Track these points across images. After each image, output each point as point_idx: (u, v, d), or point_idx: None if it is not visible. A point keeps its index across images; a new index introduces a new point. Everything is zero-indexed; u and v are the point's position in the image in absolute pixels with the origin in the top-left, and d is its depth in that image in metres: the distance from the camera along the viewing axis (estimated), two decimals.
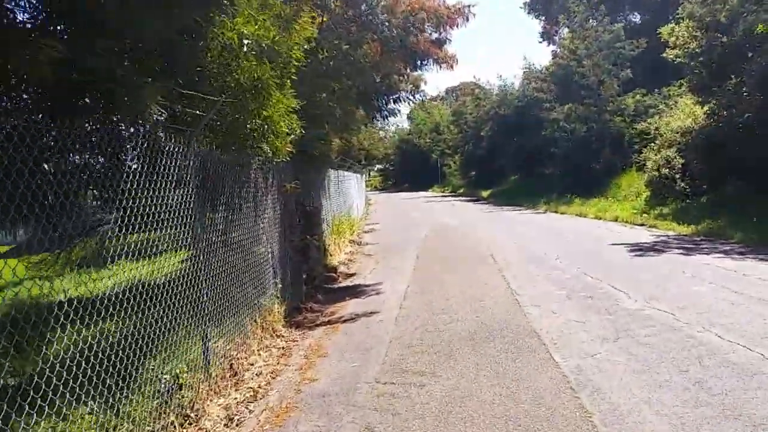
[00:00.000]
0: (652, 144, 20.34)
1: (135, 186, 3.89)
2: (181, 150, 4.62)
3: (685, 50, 16.60)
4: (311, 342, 6.89)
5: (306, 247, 9.86)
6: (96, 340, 3.74)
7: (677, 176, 17.78)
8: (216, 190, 5.60)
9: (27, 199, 2.82)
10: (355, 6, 12.04)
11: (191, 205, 4.87)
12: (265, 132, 6.04)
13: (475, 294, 8.63)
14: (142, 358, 4.08)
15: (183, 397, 4.67)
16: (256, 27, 5.27)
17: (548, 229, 17.64)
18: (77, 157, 3.74)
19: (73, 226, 3.27)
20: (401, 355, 6.01)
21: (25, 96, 4.19)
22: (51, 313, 3.23)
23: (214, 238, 5.54)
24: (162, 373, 4.53)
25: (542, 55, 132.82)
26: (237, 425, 4.66)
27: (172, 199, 4.51)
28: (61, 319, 3.28)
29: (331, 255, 12.69)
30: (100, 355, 3.67)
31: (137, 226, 3.98)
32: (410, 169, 60.63)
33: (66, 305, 3.32)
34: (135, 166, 3.82)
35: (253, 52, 5.33)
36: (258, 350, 6.37)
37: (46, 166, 3.44)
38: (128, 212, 3.81)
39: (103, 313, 3.67)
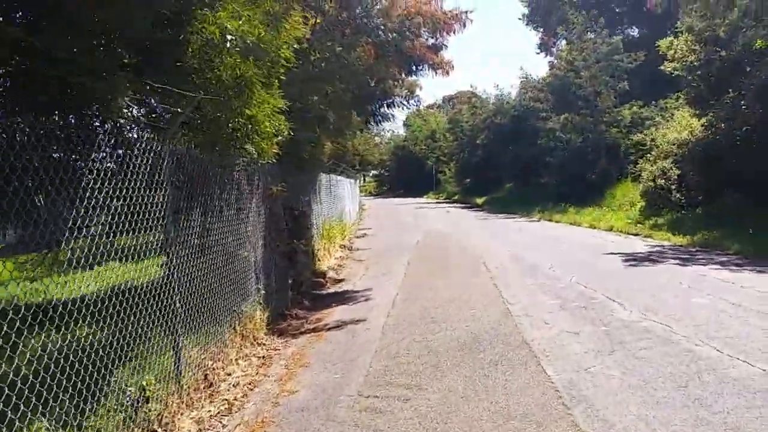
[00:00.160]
0: (648, 155, 20.27)
1: (99, 185, 3.62)
2: (154, 148, 4.36)
3: (684, 63, 16.59)
4: (294, 351, 6.62)
5: (293, 251, 9.59)
6: (57, 347, 3.48)
7: (673, 187, 17.68)
8: (194, 191, 5.34)
9: None
10: (349, 8, 11.84)
11: (165, 207, 4.61)
12: (249, 132, 5.80)
13: (466, 303, 8.38)
14: (103, 369, 3.80)
15: (150, 410, 4.40)
16: (241, 23, 5.04)
17: (542, 237, 17.43)
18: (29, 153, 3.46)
19: (23, 226, 3.00)
20: (386, 366, 5.74)
21: None
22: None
23: (190, 242, 5.27)
24: (127, 384, 4.26)
25: (540, 66, 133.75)
26: None
27: (143, 200, 4.25)
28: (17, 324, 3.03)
29: (320, 260, 12.42)
30: (62, 362, 3.43)
31: (102, 228, 3.72)
32: (405, 176, 60.49)
33: (23, 309, 3.09)
34: (99, 165, 3.54)
35: (237, 49, 5.09)
36: (236, 359, 6.09)
37: None
38: (90, 213, 3.54)
39: (57, 321, 3.41)
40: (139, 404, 4.30)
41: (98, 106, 3.79)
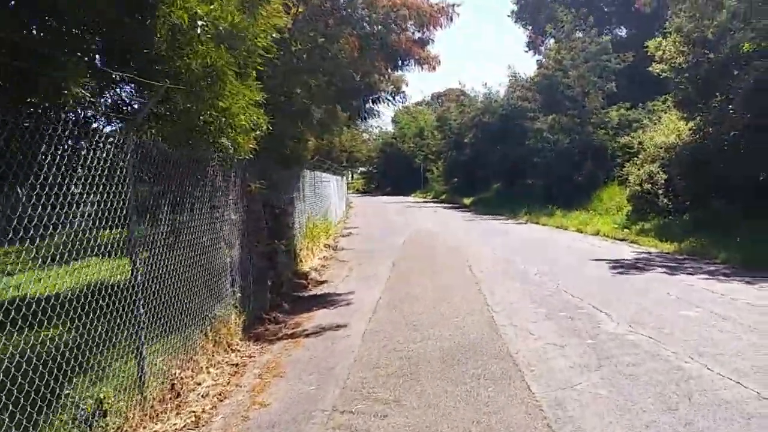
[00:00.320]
0: (635, 158, 20.12)
1: (46, 180, 3.27)
2: (114, 140, 4.00)
3: (672, 65, 16.40)
4: (269, 358, 6.30)
5: (273, 251, 9.24)
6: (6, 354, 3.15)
7: (660, 192, 17.52)
8: (162, 187, 4.99)
9: None
10: None
11: (127, 204, 4.26)
12: (223, 126, 5.44)
13: (450, 309, 8.11)
14: (53, 381, 3.46)
15: (107, 424, 4.06)
16: (213, 7, 4.68)
17: (529, 240, 17.25)
18: None
19: None
20: (364, 378, 5.45)
21: None
22: None
23: (157, 242, 4.92)
24: (81, 397, 3.92)
25: (528, 64, 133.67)
26: None
27: (101, 197, 3.90)
28: None
29: (302, 260, 12.08)
30: (11, 372, 3.10)
31: (51, 227, 3.37)
32: (393, 174, 60.16)
33: None
34: (43, 159, 3.18)
35: (209, 36, 4.73)
36: (207, 367, 5.74)
37: None
38: (37, 210, 3.19)
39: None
40: (97, 418, 3.97)
41: (44, 94, 3.42)
